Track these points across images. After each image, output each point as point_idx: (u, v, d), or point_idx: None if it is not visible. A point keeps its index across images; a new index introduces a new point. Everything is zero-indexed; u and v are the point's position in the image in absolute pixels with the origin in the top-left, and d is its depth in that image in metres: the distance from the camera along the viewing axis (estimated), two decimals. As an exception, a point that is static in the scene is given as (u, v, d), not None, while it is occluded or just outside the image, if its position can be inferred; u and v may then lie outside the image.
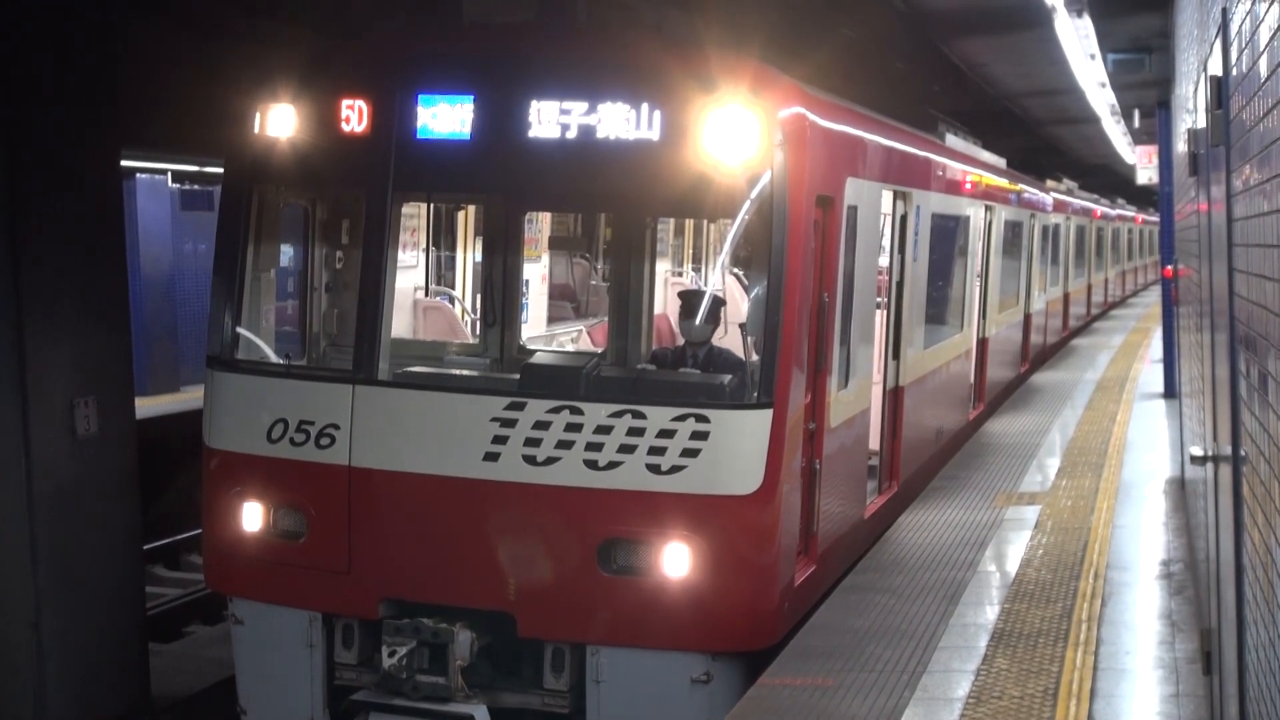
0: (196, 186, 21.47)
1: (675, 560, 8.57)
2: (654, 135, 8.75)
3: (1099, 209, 40.21)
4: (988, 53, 20.09)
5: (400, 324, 13.84)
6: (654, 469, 8.56)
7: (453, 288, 18.70)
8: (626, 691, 8.68)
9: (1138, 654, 9.02)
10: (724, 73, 8.82)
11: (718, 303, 10.75)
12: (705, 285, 18.39)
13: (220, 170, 10.68)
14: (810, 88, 9.82)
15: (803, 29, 14.88)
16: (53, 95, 10.37)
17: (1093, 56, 18.09)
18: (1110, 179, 47.99)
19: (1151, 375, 23.89)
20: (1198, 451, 7.73)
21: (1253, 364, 4.95)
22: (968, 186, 16.40)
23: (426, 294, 16.43)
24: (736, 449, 8.64)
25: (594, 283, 20.87)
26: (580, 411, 8.70)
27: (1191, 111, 9.29)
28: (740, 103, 8.67)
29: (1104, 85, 21.53)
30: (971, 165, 16.93)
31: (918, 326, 13.55)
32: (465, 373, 10.31)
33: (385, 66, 9.40)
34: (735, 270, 16.23)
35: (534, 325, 18.25)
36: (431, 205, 12.43)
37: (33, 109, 10.22)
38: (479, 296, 14.00)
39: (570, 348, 16.95)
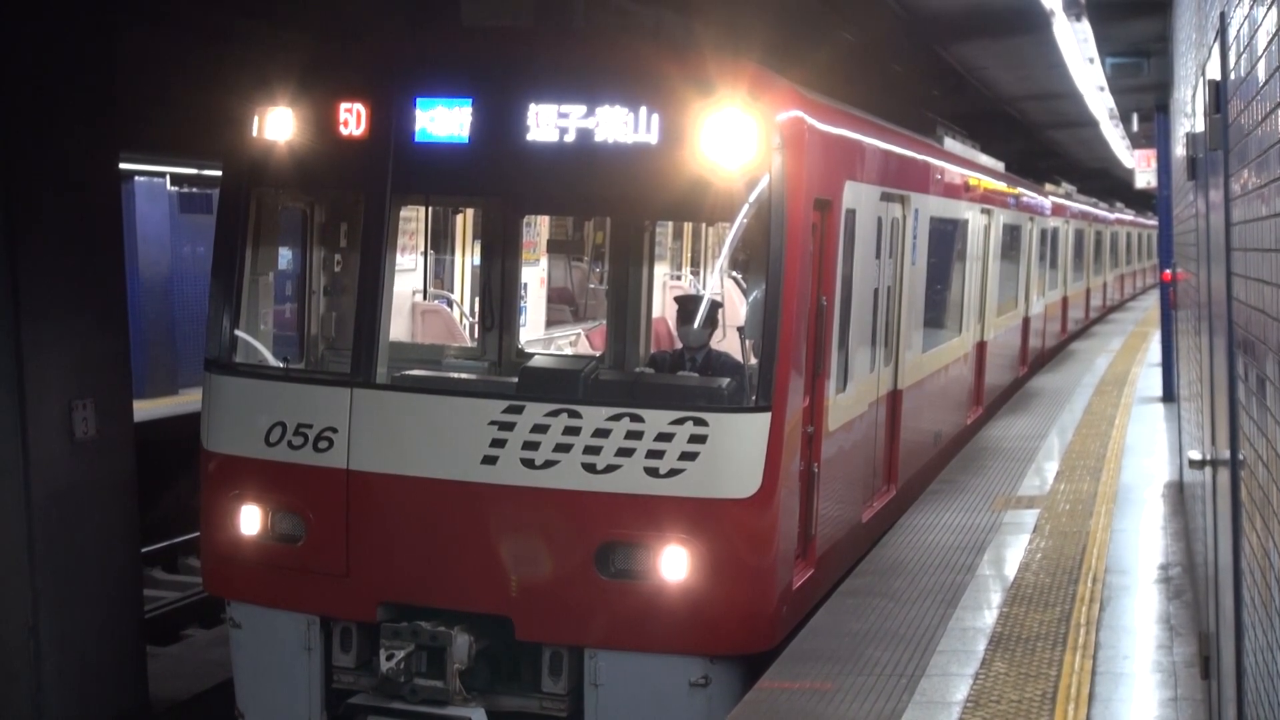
0: (195, 189, 21.47)
1: (673, 564, 8.56)
2: (652, 139, 8.75)
3: (1097, 212, 40.24)
4: (986, 56, 20.10)
5: (399, 327, 13.85)
6: (652, 472, 8.55)
7: (451, 291, 18.71)
8: (625, 695, 8.68)
9: (1136, 658, 9.01)
10: (722, 76, 8.82)
11: (715, 306, 10.75)
12: (703, 289, 18.42)
13: (219, 173, 10.68)
14: (808, 91, 9.82)
15: (801, 32, 14.88)
16: (51, 97, 10.37)
17: (1091, 60, 18.11)
18: (1109, 183, 48.00)
19: (1150, 379, 23.89)
20: (1196, 455, 7.74)
21: (1251, 368, 4.95)
22: (966, 190, 16.40)
23: (425, 297, 16.43)
24: (735, 452, 8.63)
25: (592, 286, 20.89)
26: (578, 415, 8.70)
27: (1190, 116, 9.29)
28: (738, 106, 8.66)
29: (1103, 89, 21.54)
30: (970, 169, 16.93)
31: (916, 330, 13.55)
32: (463, 376, 10.30)
33: (383, 70, 9.40)
34: (733, 274, 16.23)
35: (532, 329, 18.29)
36: (430, 209, 12.43)
37: (31, 111, 10.22)
38: (477, 300, 14.01)
39: (568, 351, 16.96)
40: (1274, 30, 4.06)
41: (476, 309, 13.96)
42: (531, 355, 11.55)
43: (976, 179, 17.30)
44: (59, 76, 10.42)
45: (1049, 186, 29.95)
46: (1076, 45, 16.92)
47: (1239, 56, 5.07)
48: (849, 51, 16.17)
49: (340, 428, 9.04)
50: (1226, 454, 5.87)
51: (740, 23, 13.19)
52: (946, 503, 13.57)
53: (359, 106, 9.17)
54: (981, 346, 18.59)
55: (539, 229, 19.35)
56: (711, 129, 8.64)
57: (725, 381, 9.13)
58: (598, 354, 12.87)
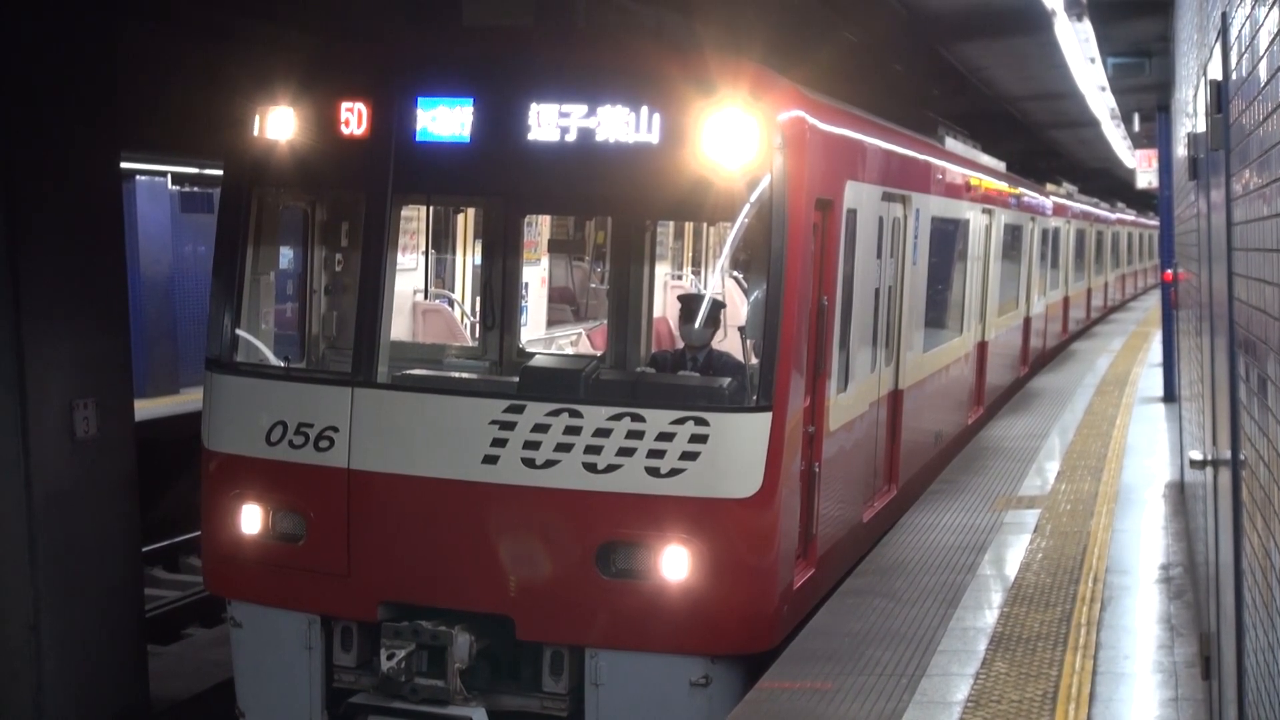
0: (196, 189, 21.47)
1: (674, 563, 8.57)
2: (653, 138, 8.75)
3: (1098, 212, 40.24)
4: (987, 56, 20.09)
5: (399, 327, 13.84)
6: (653, 472, 8.55)
7: (452, 290, 18.71)
8: (625, 694, 8.68)
9: (1137, 658, 9.01)
10: (723, 76, 8.82)
11: (717, 306, 10.74)
12: (705, 288, 18.43)
13: (220, 173, 10.68)
14: (809, 91, 9.81)
15: (802, 32, 14.88)
16: (52, 97, 10.37)
17: (1093, 60, 18.10)
18: (1110, 183, 47.99)
19: (1151, 379, 23.89)
20: (1197, 456, 7.74)
21: (1252, 368, 4.95)
22: (967, 190, 16.40)
23: (426, 297, 16.43)
24: (736, 452, 8.63)
25: (593, 285, 20.88)
26: (579, 414, 8.70)
27: (1191, 116, 9.29)
28: (739, 106, 8.66)
29: (1104, 89, 21.53)
30: (971, 169, 16.93)
31: (917, 330, 13.55)
32: (464, 375, 10.30)
33: (385, 69, 9.40)
34: (735, 273, 16.22)
35: (533, 328, 18.29)
36: (431, 208, 12.43)
37: (32, 111, 10.22)
38: (478, 299, 14.00)
39: (569, 351, 16.96)
40: (1275, 30, 4.06)
41: (477, 308, 13.94)
42: (532, 355, 11.55)
43: (978, 179, 17.30)
44: (59, 76, 10.41)
45: (1050, 186, 29.95)
46: (1078, 45, 16.91)
47: (1240, 56, 5.07)
48: (850, 51, 16.17)
49: (341, 427, 9.04)
50: (1227, 454, 5.86)
51: (741, 22, 13.19)
52: (947, 503, 13.57)
53: (360, 106, 9.17)
54: (982, 346, 18.59)
55: (540, 228, 19.34)
56: (713, 129, 8.64)
57: (726, 381, 9.13)
58: (599, 354, 12.87)
